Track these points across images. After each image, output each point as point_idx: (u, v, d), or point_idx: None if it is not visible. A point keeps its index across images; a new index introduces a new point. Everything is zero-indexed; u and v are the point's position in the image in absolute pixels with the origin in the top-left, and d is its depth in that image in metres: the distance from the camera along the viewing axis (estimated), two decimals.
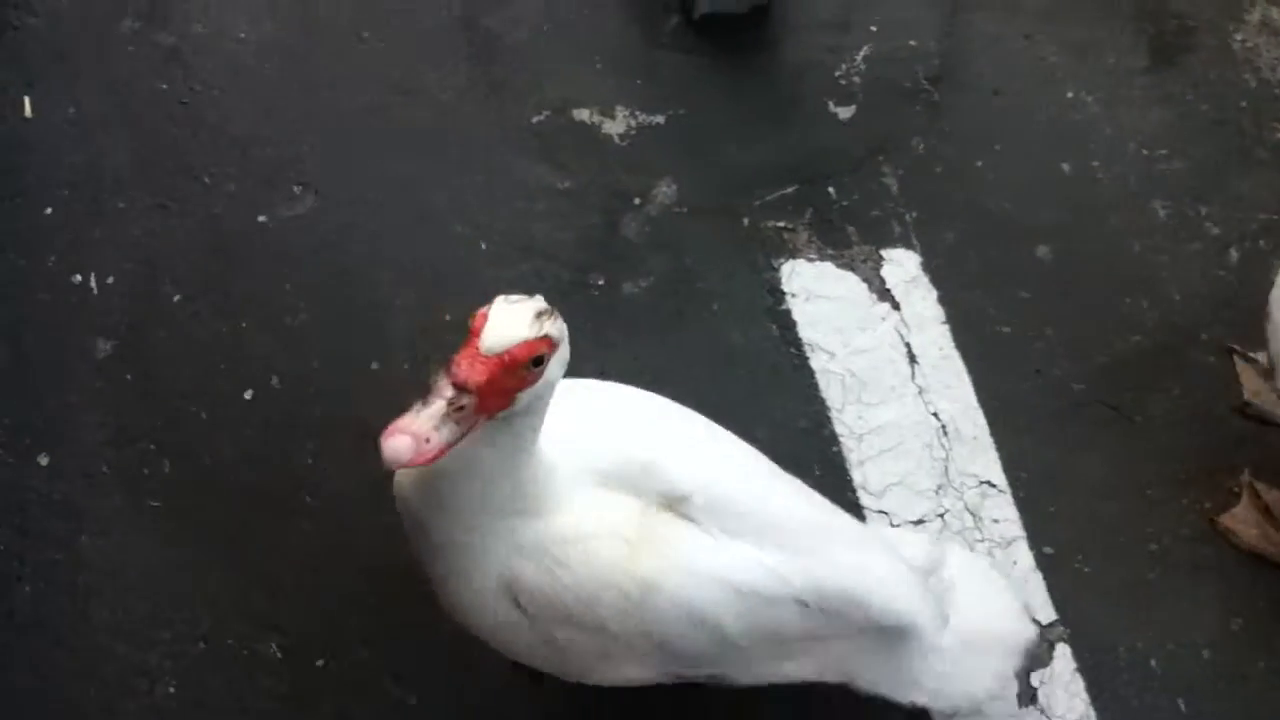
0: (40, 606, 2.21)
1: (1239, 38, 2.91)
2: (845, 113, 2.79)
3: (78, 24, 2.78)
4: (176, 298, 2.52)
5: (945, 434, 2.44)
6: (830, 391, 2.47)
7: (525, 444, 1.52)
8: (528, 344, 1.41)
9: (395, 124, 2.73)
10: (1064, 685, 2.21)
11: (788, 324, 2.54)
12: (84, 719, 2.12)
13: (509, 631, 1.66)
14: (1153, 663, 2.23)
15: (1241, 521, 2.31)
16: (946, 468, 2.40)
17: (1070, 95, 2.82)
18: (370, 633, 2.20)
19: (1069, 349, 2.53)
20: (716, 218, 2.66)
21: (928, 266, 2.61)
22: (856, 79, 2.82)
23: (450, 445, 1.38)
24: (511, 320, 1.41)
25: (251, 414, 2.40)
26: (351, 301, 2.53)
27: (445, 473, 1.51)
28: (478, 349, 1.39)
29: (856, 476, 2.37)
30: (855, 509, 2.32)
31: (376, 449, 1.34)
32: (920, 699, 1.91)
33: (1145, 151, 2.76)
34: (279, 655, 2.19)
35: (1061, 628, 2.25)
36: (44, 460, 2.34)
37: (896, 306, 2.56)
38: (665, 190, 2.68)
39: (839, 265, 2.61)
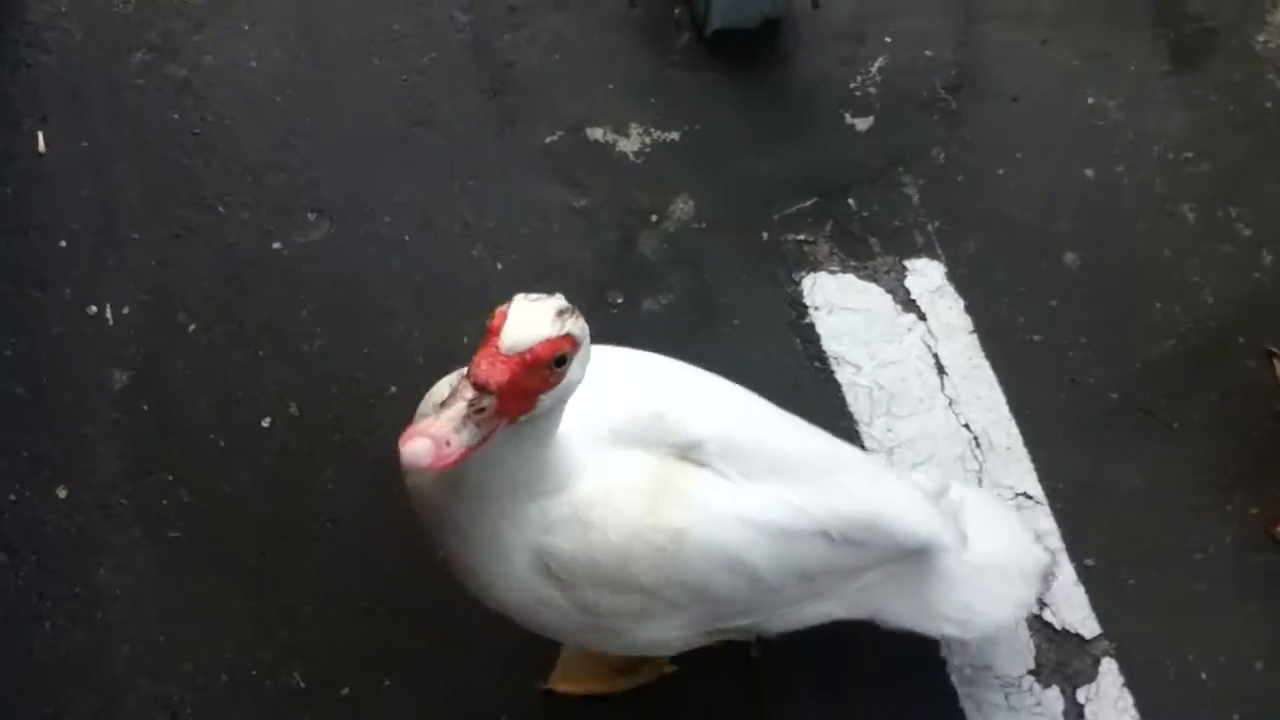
0: (60, 641, 2.18)
1: (1261, 39, 2.87)
2: (863, 124, 2.75)
3: (90, 59, 2.78)
4: (192, 327, 2.50)
5: (978, 445, 2.38)
6: (858, 405, 2.42)
7: (547, 439, 1.50)
8: (550, 342, 1.37)
9: (409, 148, 2.71)
10: (1112, 702, 2.15)
11: (811, 337, 2.50)
12: None
13: (544, 606, 1.64)
14: (1203, 676, 2.17)
15: None
16: (980, 479, 2.34)
17: (1091, 100, 2.79)
18: (394, 661, 2.16)
19: (1102, 356, 2.48)
20: (735, 233, 2.62)
21: (952, 276, 2.56)
22: (872, 90, 2.79)
23: (471, 449, 1.35)
24: (532, 318, 1.37)
25: (269, 442, 2.37)
26: (368, 327, 2.50)
27: (467, 467, 1.47)
28: (498, 348, 1.35)
29: None
30: None
31: (395, 454, 1.31)
32: (949, 629, 1.92)
33: (1171, 155, 2.72)
34: (302, 685, 2.15)
35: (1107, 642, 2.20)
36: (62, 493, 2.32)
37: (923, 317, 2.52)
38: (682, 206, 2.65)
39: (862, 277, 2.57)
